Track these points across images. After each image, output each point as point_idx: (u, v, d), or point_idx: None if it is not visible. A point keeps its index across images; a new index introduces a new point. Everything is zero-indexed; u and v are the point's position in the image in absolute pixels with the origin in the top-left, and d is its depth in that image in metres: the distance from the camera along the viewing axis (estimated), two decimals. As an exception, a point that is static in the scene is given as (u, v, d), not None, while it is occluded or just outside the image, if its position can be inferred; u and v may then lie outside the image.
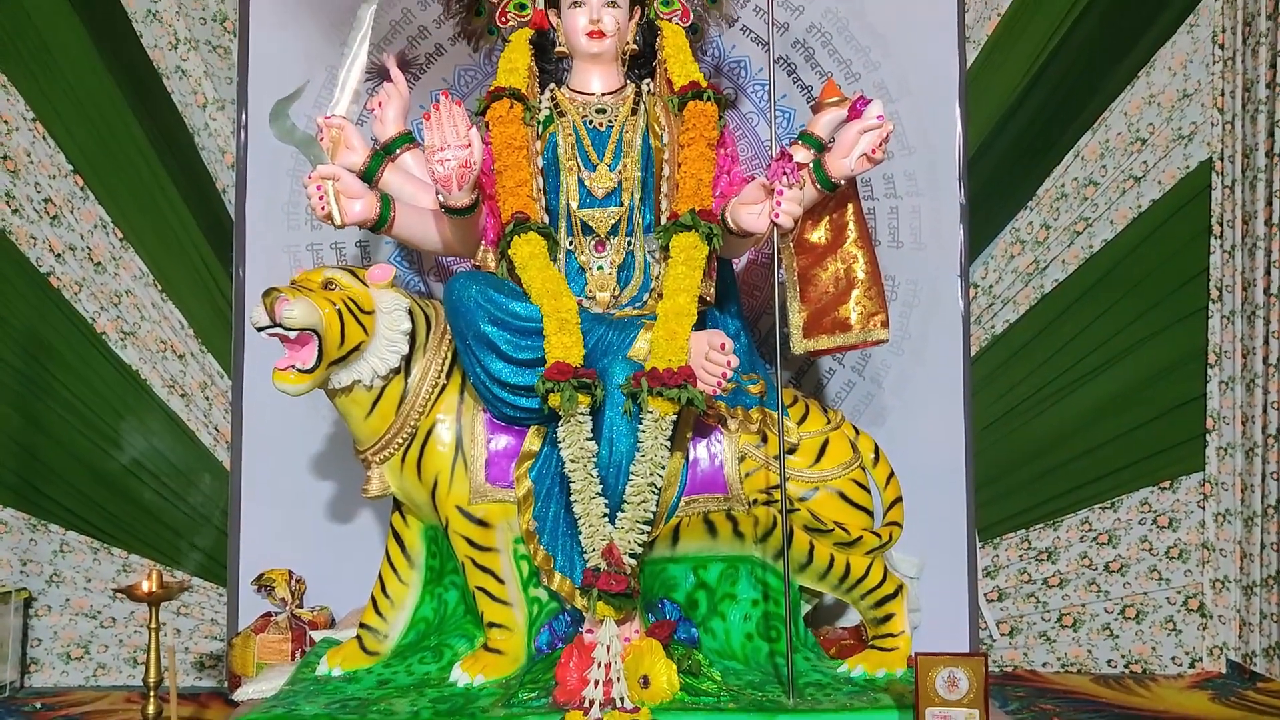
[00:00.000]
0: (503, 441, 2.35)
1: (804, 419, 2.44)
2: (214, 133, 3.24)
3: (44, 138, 3.21)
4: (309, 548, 2.96)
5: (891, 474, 2.51)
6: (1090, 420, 3.24)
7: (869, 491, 2.45)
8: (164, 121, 3.24)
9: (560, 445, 2.19)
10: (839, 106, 2.54)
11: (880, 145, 2.34)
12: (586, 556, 2.18)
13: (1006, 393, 3.25)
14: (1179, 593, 3.25)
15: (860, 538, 2.38)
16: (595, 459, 2.18)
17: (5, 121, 3.20)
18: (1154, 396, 3.24)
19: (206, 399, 3.26)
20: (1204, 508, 3.25)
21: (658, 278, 2.44)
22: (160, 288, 3.25)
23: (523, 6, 2.62)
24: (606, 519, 2.17)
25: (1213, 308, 3.25)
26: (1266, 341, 3.12)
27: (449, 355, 2.38)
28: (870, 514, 2.44)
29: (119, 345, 3.24)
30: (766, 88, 2.94)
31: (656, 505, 2.19)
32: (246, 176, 3.06)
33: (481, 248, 2.46)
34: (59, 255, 3.23)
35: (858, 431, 2.52)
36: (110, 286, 3.24)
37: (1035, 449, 3.26)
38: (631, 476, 2.17)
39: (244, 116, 3.05)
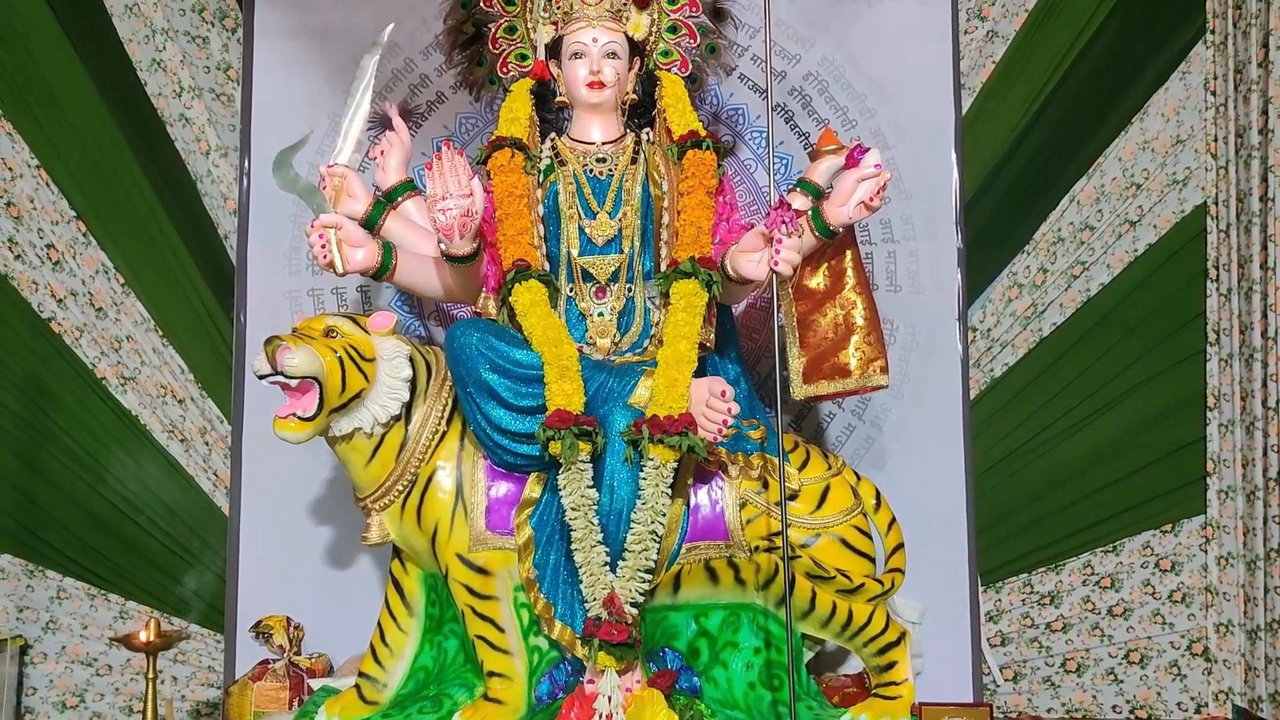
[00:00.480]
0: (503, 488, 2.34)
1: (805, 464, 2.43)
2: (216, 179, 3.26)
3: (47, 184, 3.23)
4: (308, 594, 2.94)
5: (893, 520, 2.50)
6: (1090, 463, 3.23)
7: (871, 538, 2.44)
8: (167, 168, 3.25)
9: (561, 493, 2.19)
10: (837, 154, 2.56)
11: (878, 193, 2.36)
12: (587, 605, 2.17)
13: (1006, 436, 3.24)
14: (1183, 637, 3.22)
15: (862, 585, 2.37)
16: (596, 506, 2.18)
17: (10, 168, 3.22)
18: (1154, 439, 3.23)
19: (206, 444, 3.25)
20: (1206, 551, 3.23)
21: (658, 324, 2.44)
22: (161, 333, 3.25)
23: (524, 57, 2.67)
24: (607, 567, 2.17)
25: (1210, 351, 3.25)
26: (1265, 385, 3.12)
27: (450, 402, 2.39)
28: (872, 560, 2.43)
29: (119, 390, 3.24)
30: (765, 135, 2.98)
31: (658, 553, 2.19)
32: (248, 223, 3.09)
33: (483, 295, 2.47)
34: (60, 300, 3.24)
35: (858, 477, 2.52)
36: (111, 332, 3.24)
37: (1036, 492, 3.24)
38: (632, 524, 2.16)
39: (246, 163, 3.09)
